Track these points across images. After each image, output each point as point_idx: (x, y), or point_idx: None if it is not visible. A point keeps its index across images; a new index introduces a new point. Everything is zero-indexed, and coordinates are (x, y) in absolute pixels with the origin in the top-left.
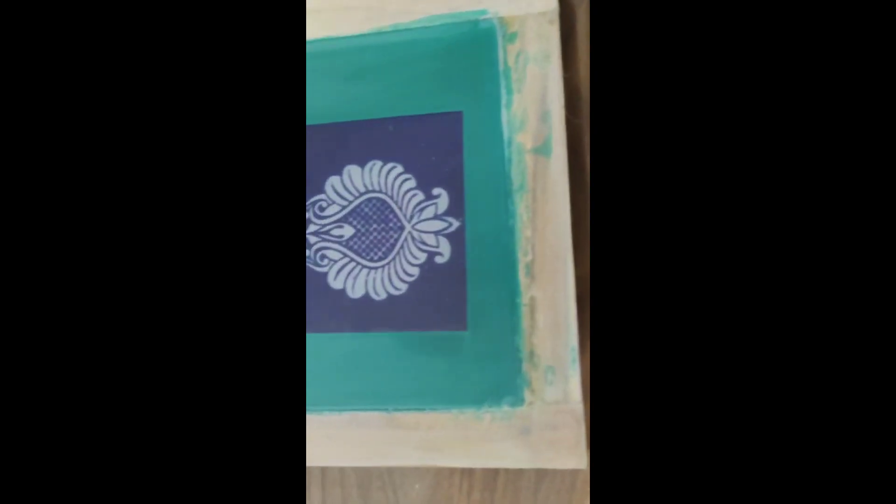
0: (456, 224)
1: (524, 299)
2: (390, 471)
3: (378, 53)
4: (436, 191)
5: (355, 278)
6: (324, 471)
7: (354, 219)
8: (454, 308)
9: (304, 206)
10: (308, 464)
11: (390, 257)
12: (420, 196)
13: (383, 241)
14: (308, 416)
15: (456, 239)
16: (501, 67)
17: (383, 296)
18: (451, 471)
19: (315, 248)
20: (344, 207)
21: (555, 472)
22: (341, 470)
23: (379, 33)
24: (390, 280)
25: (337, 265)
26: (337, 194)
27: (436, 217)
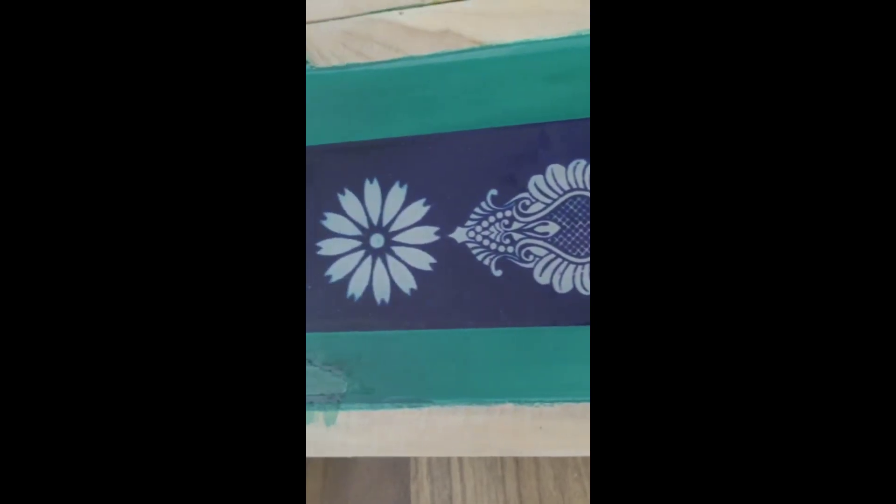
0: None
1: None
2: (586, 461)
3: (581, 56)
4: None
5: (562, 274)
6: (518, 462)
7: (559, 216)
8: None
9: (304, 198)
10: (506, 454)
11: None
12: None
13: (589, 237)
14: (518, 408)
15: None
16: None
17: None
18: None
19: (519, 244)
20: (548, 206)
21: None
22: (536, 461)
23: (580, 36)
24: None
25: (542, 261)
26: (540, 192)
27: None
